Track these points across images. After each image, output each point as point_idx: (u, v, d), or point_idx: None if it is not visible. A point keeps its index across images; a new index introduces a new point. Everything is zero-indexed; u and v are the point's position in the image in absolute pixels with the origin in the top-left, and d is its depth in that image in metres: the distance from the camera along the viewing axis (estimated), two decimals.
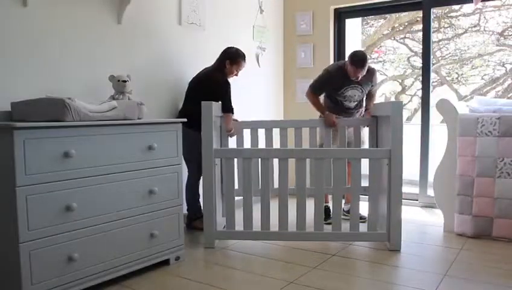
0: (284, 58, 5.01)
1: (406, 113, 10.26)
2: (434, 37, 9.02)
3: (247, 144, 3.89)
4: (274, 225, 3.13)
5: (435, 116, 4.36)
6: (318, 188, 3.08)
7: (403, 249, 3.01)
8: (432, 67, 4.51)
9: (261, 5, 4.56)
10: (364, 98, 3.87)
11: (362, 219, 3.42)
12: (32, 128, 2.04)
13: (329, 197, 3.71)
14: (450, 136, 3.47)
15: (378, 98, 4.78)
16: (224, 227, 3.34)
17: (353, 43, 5.17)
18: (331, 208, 3.42)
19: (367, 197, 3.15)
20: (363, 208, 3.36)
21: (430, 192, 4.12)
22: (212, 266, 2.79)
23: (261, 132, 3.84)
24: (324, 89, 3.74)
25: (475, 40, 9.83)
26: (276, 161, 3.44)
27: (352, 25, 5.11)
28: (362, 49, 3.67)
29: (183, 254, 2.85)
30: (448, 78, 10.52)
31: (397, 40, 10.51)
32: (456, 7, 9.15)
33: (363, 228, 3.17)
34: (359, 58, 3.50)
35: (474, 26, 9.67)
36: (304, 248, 3.06)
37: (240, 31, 4.31)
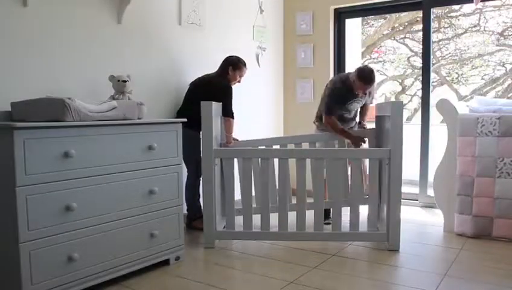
0: (284, 58, 5.01)
1: (406, 113, 10.26)
2: (434, 37, 9.03)
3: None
4: (274, 225, 3.14)
5: (435, 116, 4.36)
6: (318, 188, 3.08)
7: (402, 249, 3.01)
8: (432, 67, 4.51)
9: (261, 5, 4.56)
10: (358, 111, 3.85)
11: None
12: (32, 128, 2.04)
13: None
14: (450, 136, 3.47)
15: (378, 98, 4.77)
16: (224, 227, 3.35)
17: (353, 43, 5.18)
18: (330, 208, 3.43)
19: (367, 197, 3.15)
20: (363, 209, 3.36)
21: (430, 192, 4.12)
22: (212, 266, 2.79)
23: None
24: (338, 107, 3.62)
25: (475, 40, 9.84)
26: (276, 161, 3.44)
27: (352, 25, 5.11)
28: (369, 66, 3.61)
29: (183, 254, 2.85)
30: (448, 78, 10.53)
31: (397, 40, 10.52)
32: (456, 7, 9.15)
33: (362, 228, 3.17)
34: (368, 76, 3.42)
35: (474, 26, 9.68)
36: (303, 248, 3.06)
37: (240, 31, 4.31)
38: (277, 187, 3.45)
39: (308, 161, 3.24)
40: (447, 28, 9.96)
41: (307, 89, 4.85)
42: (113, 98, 2.82)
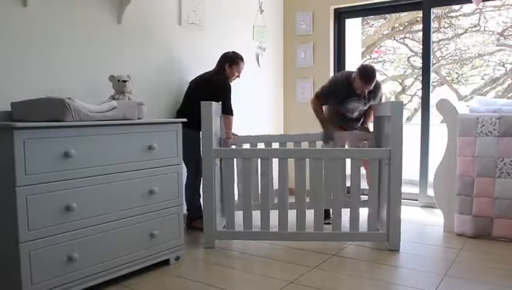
0: (284, 58, 5.01)
1: (406, 113, 10.27)
2: (434, 37, 9.03)
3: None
4: (274, 225, 3.14)
5: (435, 116, 4.36)
6: (317, 188, 3.08)
7: (403, 249, 3.01)
8: (432, 67, 4.51)
9: (261, 5, 4.56)
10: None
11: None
12: (32, 128, 2.04)
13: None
14: (450, 136, 3.47)
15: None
16: (224, 227, 3.35)
17: (353, 43, 5.18)
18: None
19: (366, 197, 3.15)
20: (363, 209, 3.36)
21: (430, 192, 4.12)
22: (212, 266, 2.79)
23: (261, 147, 3.80)
24: (329, 98, 3.64)
25: (475, 40, 9.85)
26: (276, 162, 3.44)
27: (352, 25, 5.11)
28: (372, 65, 3.60)
29: (183, 254, 2.85)
30: (448, 78, 10.54)
31: (397, 40, 10.52)
32: (456, 7, 9.16)
33: (362, 228, 3.17)
34: (368, 74, 3.39)
35: (474, 26, 9.68)
36: (303, 248, 3.06)
37: (240, 31, 4.31)
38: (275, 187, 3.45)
39: (307, 161, 3.24)
40: (447, 28, 9.96)
41: (306, 89, 4.85)
42: (113, 98, 2.82)
